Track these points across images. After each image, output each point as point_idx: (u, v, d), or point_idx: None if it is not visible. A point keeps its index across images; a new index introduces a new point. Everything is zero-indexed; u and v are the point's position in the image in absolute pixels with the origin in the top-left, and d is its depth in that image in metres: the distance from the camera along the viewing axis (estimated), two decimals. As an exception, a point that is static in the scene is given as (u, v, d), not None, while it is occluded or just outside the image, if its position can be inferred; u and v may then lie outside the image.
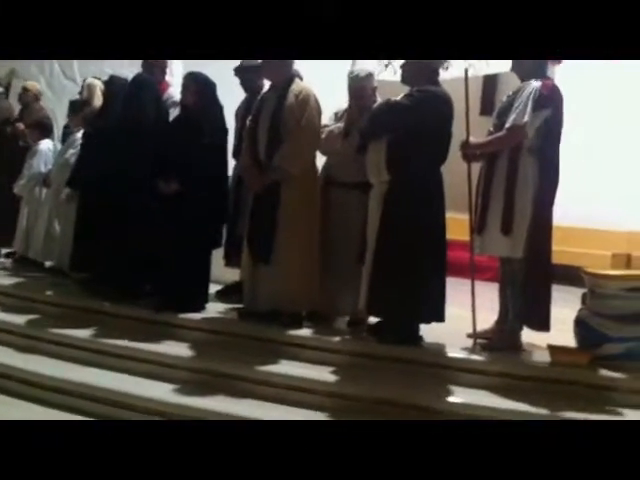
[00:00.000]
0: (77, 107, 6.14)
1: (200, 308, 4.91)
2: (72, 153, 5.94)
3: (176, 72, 6.60)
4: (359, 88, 4.59)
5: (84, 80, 6.20)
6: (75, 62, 8.30)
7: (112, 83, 5.55)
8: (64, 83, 8.29)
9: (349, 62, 4.99)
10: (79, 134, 5.97)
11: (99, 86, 5.84)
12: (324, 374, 4.12)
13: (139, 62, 5.76)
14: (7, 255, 6.66)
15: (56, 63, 8.36)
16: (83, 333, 4.81)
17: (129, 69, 7.26)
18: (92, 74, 6.91)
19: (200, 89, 4.91)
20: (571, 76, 5.82)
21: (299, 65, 4.77)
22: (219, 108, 4.99)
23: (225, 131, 5.03)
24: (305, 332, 4.50)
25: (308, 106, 4.50)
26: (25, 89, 7.10)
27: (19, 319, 5.12)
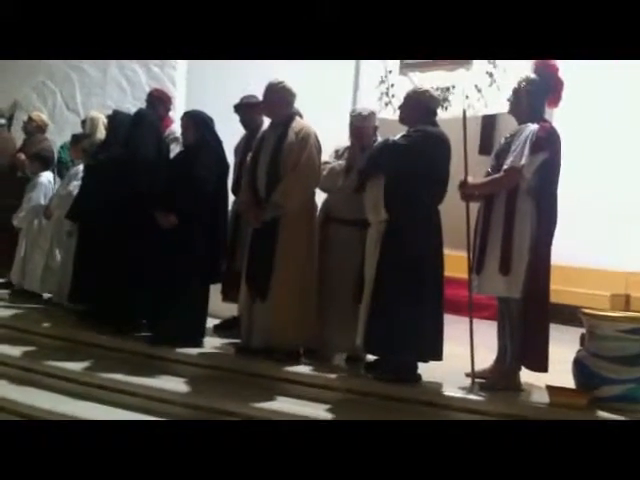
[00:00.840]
0: (79, 140, 6.19)
1: (197, 343, 4.88)
2: (75, 185, 5.96)
3: (178, 107, 6.67)
4: (361, 127, 4.62)
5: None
6: (78, 94, 8.37)
7: (115, 117, 5.60)
8: (66, 115, 8.35)
9: (350, 101, 5.05)
10: (81, 166, 6.01)
11: (102, 120, 5.89)
12: (320, 411, 4.09)
13: (142, 97, 5.83)
14: (2, 286, 6.62)
15: (59, 95, 8.43)
16: (78, 366, 4.79)
17: (133, 103, 7.36)
18: (95, 107, 6.98)
19: (198, 127, 4.95)
20: (570, 118, 5.87)
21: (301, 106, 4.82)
22: (218, 143, 5.02)
23: (225, 165, 5.05)
24: (302, 369, 4.48)
25: (308, 144, 4.54)
26: (30, 118, 7.14)
27: (14, 350, 5.09)
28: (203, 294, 4.93)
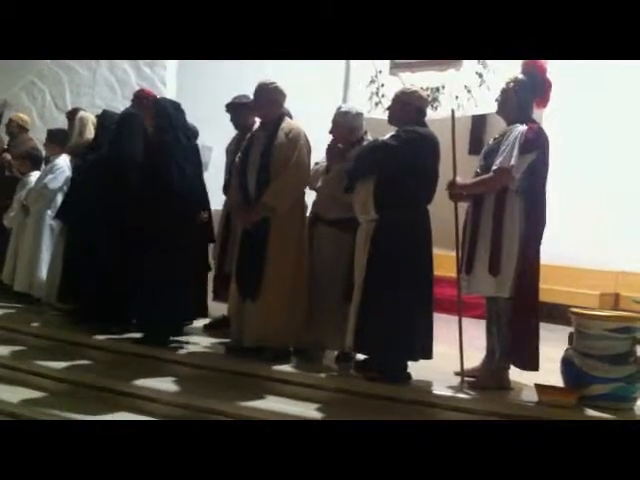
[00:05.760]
0: (54, 136, 6.29)
1: (168, 342, 4.86)
2: (50, 178, 6.04)
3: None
4: (334, 124, 4.63)
5: (70, 111, 6.26)
6: (67, 94, 8.36)
7: (104, 117, 5.60)
8: (55, 114, 8.33)
9: (340, 101, 5.05)
10: (57, 160, 6.09)
11: (91, 119, 5.89)
12: (309, 410, 4.10)
13: (130, 96, 5.81)
14: None
15: (48, 95, 8.41)
16: (67, 366, 4.79)
17: (122, 102, 7.35)
18: (84, 106, 6.98)
19: (155, 114, 4.93)
20: (560, 119, 5.90)
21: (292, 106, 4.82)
22: (183, 131, 4.95)
23: (194, 157, 4.98)
24: (291, 368, 4.48)
25: (298, 144, 4.54)
26: (10, 120, 7.13)
27: (3, 350, 5.09)
28: (185, 293, 4.87)
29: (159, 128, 4.90)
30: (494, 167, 4.10)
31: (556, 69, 4.29)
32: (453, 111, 4.42)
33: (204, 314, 5.15)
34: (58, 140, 6.28)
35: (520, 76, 4.22)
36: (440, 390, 4.15)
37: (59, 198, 5.98)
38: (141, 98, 5.62)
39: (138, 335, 4.97)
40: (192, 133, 5.21)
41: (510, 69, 4.39)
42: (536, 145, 4.08)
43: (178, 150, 4.83)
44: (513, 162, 4.04)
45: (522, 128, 4.09)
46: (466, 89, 4.72)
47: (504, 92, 4.24)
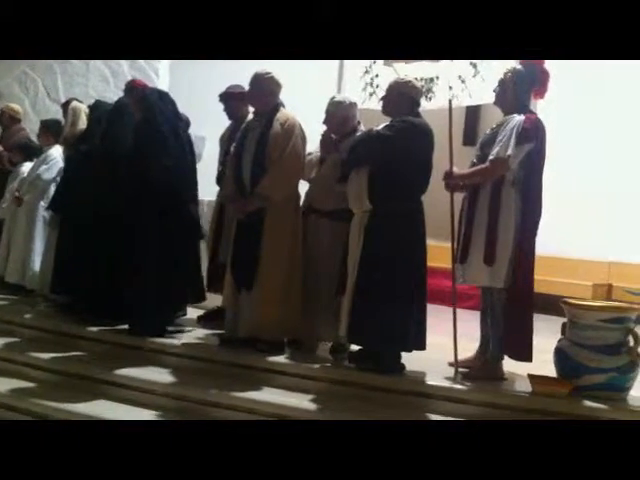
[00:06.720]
0: (48, 127, 6.28)
1: (162, 331, 4.86)
2: (44, 169, 6.03)
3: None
4: (327, 113, 4.62)
5: (66, 102, 6.22)
6: (60, 84, 8.31)
7: (97, 108, 5.57)
8: (48, 105, 8.29)
9: (334, 91, 5.04)
10: (51, 151, 6.09)
11: (84, 110, 5.86)
12: (303, 402, 4.10)
13: (123, 86, 5.79)
14: None
15: (40, 85, 8.37)
16: (60, 357, 4.77)
17: (115, 93, 7.31)
18: (77, 97, 6.94)
19: (141, 106, 4.92)
20: (555, 110, 5.89)
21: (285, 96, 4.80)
22: (165, 119, 4.93)
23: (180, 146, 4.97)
24: (285, 359, 4.48)
25: (293, 135, 4.53)
26: (1, 111, 7.09)
27: (-4, 342, 5.07)
28: (176, 283, 4.88)
29: (142, 120, 4.88)
30: (491, 157, 4.10)
31: (551, 61, 4.27)
32: (450, 101, 4.42)
33: (201, 298, 5.14)
34: (52, 131, 6.25)
35: (518, 66, 4.21)
36: (434, 381, 4.16)
37: (52, 189, 5.97)
38: (132, 89, 5.60)
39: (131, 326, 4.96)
40: (184, 123, 5.20)
41: (504, 60, 4.39)
42: (534, 135, 4.08)
43: (159, 142, 4.80)
44: (510, 152, 4.04)
45: (520, 118, 4.09)
46: (460, 80, 4.71)
47: (502, 82, 4.24)
